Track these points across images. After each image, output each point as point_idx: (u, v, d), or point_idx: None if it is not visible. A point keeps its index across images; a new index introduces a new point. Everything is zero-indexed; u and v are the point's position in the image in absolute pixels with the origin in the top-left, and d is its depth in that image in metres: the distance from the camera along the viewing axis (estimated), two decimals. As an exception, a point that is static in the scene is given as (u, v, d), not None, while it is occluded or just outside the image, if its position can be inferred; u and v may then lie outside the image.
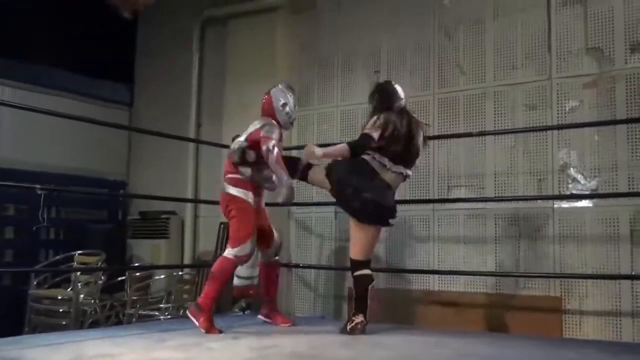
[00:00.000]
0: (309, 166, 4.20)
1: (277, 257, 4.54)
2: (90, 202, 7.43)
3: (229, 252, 4.09)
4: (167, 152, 7.19)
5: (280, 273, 4.68)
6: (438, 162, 5.44)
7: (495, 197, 5.12)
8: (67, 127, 6.80)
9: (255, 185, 4.25)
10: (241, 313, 5.37)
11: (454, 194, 5.32)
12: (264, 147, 4.04)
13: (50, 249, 6.95)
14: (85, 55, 7.35)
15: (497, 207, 5.09)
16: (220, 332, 4.00)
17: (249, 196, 4.17)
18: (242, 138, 4.22)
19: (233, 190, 4.19)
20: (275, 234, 4.49)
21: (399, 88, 4.18)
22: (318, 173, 4.15)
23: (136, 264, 6.78)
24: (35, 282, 5.96)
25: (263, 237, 4.37)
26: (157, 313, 5.76)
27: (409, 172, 4.06)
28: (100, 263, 5.85)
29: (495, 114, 5.22)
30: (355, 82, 5.96)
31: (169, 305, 5.79)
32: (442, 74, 5.52)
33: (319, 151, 3.99)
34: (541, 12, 5.10)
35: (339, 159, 4.01)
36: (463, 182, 5.31)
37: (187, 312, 4.15)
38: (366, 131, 3.89)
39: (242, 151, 4.14)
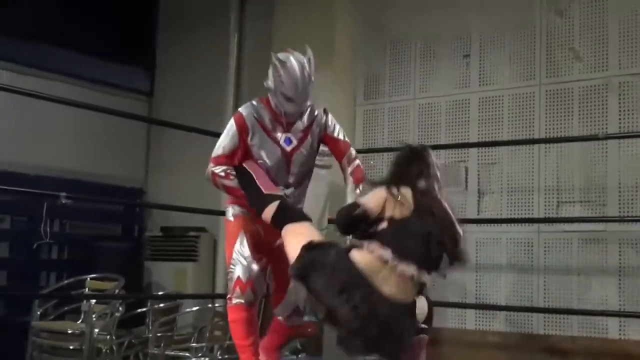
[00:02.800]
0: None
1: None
2: (101, 215, 7.45)
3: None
4: (195, 154, 6.84)
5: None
6: (544, 172, 5.38)
7: (619, 216, 5.06)
8: (72, 121, 6.87)
9: None
10: (294, 357, 5.30)
11: (565, 212, 5.26)
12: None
13: (53, 271, 7.02)
14: (96, 34, 7.39)
15: (622, 230, 5.03)
16: None
17: (231, 212, 3.75)
18: None
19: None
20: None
21: (434, 160, 3.27)
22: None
23: (160, 293, 6.80)
24: (38, 312, 5.98)
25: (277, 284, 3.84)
26: (187, 354, 5.77)
27: (427, 279, 2.98)
28: (118, 290, 5.87)
29: (620, 111, 5.15)
30: (438, 69, 5.95)
31: (203, 344, 5.77)
32: (552, 60, 5.45)
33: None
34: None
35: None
36: (577, 197, 5.25)
37: None
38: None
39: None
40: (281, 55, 3.54)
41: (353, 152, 3.83)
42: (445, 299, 5.50)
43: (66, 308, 6.20)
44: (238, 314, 3.62)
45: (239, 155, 3.60)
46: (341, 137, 3.80)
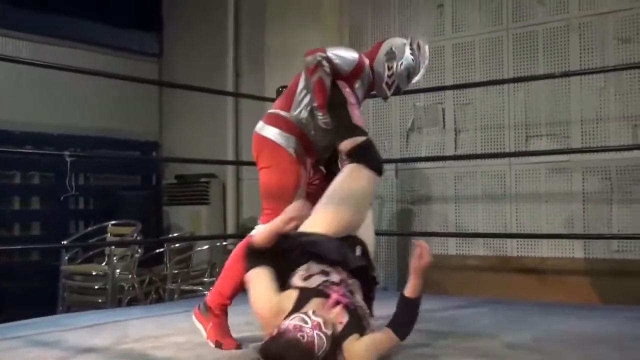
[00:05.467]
0: None
1: None
2: (121, 167, 7.66)
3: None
4: (203, 108, 7.29)
5: None
6: (514, 109, 5.37)
7: (582, 147, 5.04)
8: (91, 84, 6.99)
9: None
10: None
11: (534, 146, 5.27)
12: (308, 59, 3.18)
13: (81, 219, 7.23)
14: (107, 2, 7.45)
15: (584, 159, 5.02)
16: (238, 346, 3.18)
17: (292, 146, 3.27)
18: None
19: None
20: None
21: None
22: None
23: (175, 234, 7.02)
24: (66, 257, 6.23)
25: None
26: (200, 288, 5.95)
27: None
28: (136, 234, 6.07)
29: (581, 50, 5.10)
30: (414, 19, 5.89)
31: (213, 279, 5.86)
32: (517, 5, 5.40)
33: None
34: None
35: None
36: (544, 131, 5.24)
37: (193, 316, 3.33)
38: None
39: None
40: (421, 40, 3.46)
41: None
42: (429, 228, 5.63)
43: (91, 252, 6.44)
44: None
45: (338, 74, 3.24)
46: None
